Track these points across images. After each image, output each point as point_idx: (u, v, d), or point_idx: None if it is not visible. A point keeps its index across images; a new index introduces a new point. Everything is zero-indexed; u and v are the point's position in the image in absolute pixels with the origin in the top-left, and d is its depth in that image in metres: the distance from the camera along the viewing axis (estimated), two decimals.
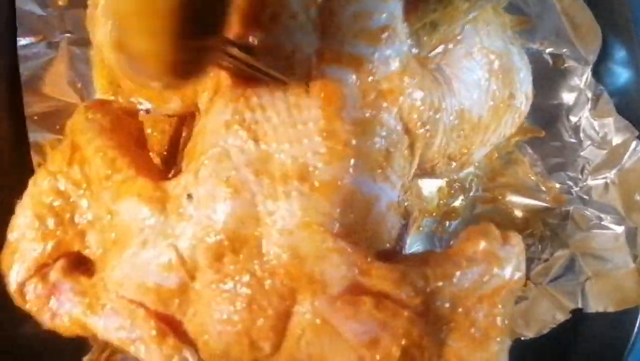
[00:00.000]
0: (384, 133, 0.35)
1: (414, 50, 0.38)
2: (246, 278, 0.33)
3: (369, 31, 0.35)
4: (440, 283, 0.33)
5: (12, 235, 0.37)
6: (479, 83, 0.39)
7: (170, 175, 0.40)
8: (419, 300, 0.32)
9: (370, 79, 0.35)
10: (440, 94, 0.38)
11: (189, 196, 0.34)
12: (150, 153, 0.48)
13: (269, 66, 0.34)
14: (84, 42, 0.49)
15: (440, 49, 0.40)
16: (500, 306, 0.34)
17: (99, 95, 0.50)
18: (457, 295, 0.33)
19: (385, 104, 0.35)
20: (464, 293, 0.33)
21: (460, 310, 0.34)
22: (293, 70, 0.34)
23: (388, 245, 0.37)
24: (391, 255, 0.37)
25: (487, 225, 0.37)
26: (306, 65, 0.35)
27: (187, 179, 0.35)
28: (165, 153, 0.48)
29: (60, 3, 0.50)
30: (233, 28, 0.34)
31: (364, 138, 0.35)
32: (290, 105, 0.34)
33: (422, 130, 0.37)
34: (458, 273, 0.33)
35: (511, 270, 0.35)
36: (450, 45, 0.40)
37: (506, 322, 0.35)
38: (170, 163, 0.48)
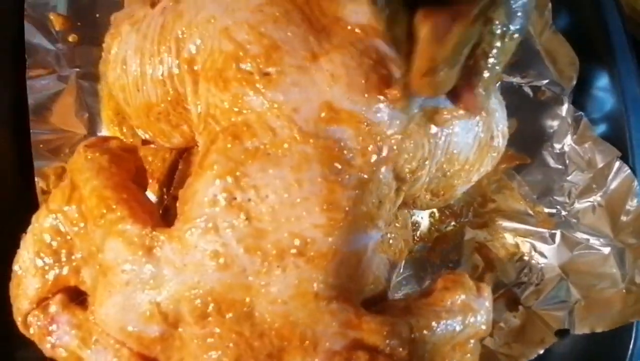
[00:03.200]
0: (379, 189, 0.36)
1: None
2: (233, 337, 0.33)
3: (377, 89, 0.34)
4: (424, 333, 0.35)
5: (17, 267, 0.39)
6: (471, 130, 0.40)
7: (165, 207, 0.41)
8: (406, 352, 0.34)
9: (372, 137, 0.34)
10: (432, 143, 0.38)
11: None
12: (150, 181, 0.51)
13: None
14: (92, 76, 0.52)
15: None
16: (469, 355, 0.38)
17: (105, 125, 0.52)
18: (435, 344, 0.36)
19: (384, 162, 0.35)
20: (442, 342, 0.36)
21: (437, 357, 0.36)
22: (295, 134, 0.34)
23: (373, 286, 0.38)
24: (377, 300, 0.38)
25: (462, 274, 0.39)
26: (309, 125, 0.34)
27: (173, 243, 0.34)
28: (163, 179, 0.50)
29: (70, 40, 0.53)
30: None
31: (362, 201, 0.34)
32: (288, 182, 0.33)
33: (411, 177, 0.38)
34: (439, 324, 0.35)
35: (482, 321, 0.38)
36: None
37: None
38: (168, 191, 0.50)
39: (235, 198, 0.33)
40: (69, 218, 0.37)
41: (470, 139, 0.41)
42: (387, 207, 0.37)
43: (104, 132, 0.52)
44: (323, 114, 0.34)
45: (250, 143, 0.34)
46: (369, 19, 0.35)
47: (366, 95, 0.34)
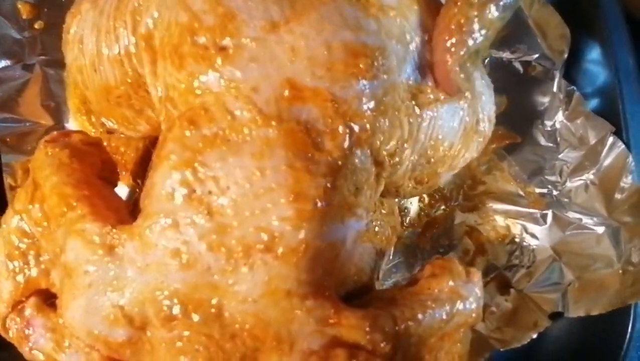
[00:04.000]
0: (355, 175, 0.33)
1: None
2: (202, 339, 0.31)
3: (342, 62, 0.32)
4: (409, 324, 0.33)
5: None
6: (456, 113, 0.38)
7: (135, 201, 0.39)
8: (389, 346, 0.32)
9: (340, 117, 0.32)
10: (413, 124, 0.36)
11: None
12: (124, 173, 0.49)
13: None
14: (57, 63, 0.49)
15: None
16: (459, 344, 0.36)
17: (72, 115, 0.50)
18: (422, 335, 0.34)
19: (358, 143, 0.32)
20: (429, 333, 0.34)
21: (424, 349, 0.34)
22: (257, 116, 0.31)
23: (356, 277, 0.36)
24: (362, 292, 0.37)
25: (451, 260, 0.37)
26: (270, 106, 0.31)
27: (134, 241, 0.32)
28: (136, 170, 0.48)
29: (36, 27, 0.50)
30: None
31: (334, 189, 0.32)
32: (250, 171, 0.31)
33: (390, 161, 0.35)
34: (425, 314, 0.34)
35: (472, 308, 0.36)
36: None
37: (464, 359, 0.37)
38: (143, 183, 0.48)
39: (194, 191, 0.31)
40: (32, 219, 0.35)
41: (456, 123, 0.38)
42: (367, 194, 0.34)
43: (71, 122, 0.50)
44: (285, 92, 0.31)
45: (207, 129, 0.31)
46: None
47: (330, 69, 0.31)
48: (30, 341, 0.35)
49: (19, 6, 0.51)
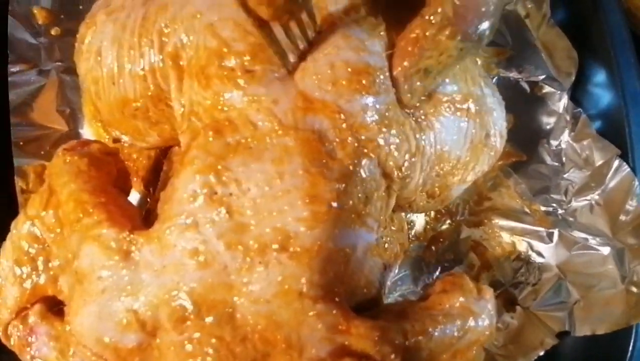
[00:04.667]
0: (364, 183, 0.35)
1: (404, 95, 0.37)
2: (213, 342, 0.32)
3: (345, 78, 0.34)
4: (419, 339, 0.33)
5: None
6: (459, 126, 0.39)
7: (147, 210, 0.40)
8: (398, 359, 0.32)
9: (348, 128, 0.34)
10: (419, 139, 0.37)
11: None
12: (135, 179, 0.49)
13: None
14: (74, 70, 0.48)
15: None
16: None
17: (87, 121, 0.51)
18: (433, 351, 0.34)
19: (365, 154, 0.34)
20: (440, 349, 0.34)
21: None
22: (277, 126, 0.33)
23: (365, 290, 0.36)
24: (370, 304, 0.37)
25: (462, 276, 0.38)
26: (288, 117, 0.33)
27: (152, 244, 0.33)
28: (148, 177, 0.48)
29: (52, 33, 0.51)
30: None
31: (346, 194, 0.33)
32: (270, 175, 0.32)
33: (398, 174, 0.37)
34: (436, 329, 0.34)
35: (484, 325, 0.36)
36: (435, 91, 0.39)
37: None
38: (154, 190, 0.49)
39: (215, 193, 0.33)
40: (45, 224, 0.36)
41: (460, 136, 0.39)
42: (378, 205, 0.36)
43: (85, 128, 0.51)
44: (299, 103, 0.33)
45: (231, 138, 0.33)
46: (345, 7, 0.35)
47: (335, 84, 0.34)
48: (32, 349, 0.35)
49: (35, 11, 0.51)
